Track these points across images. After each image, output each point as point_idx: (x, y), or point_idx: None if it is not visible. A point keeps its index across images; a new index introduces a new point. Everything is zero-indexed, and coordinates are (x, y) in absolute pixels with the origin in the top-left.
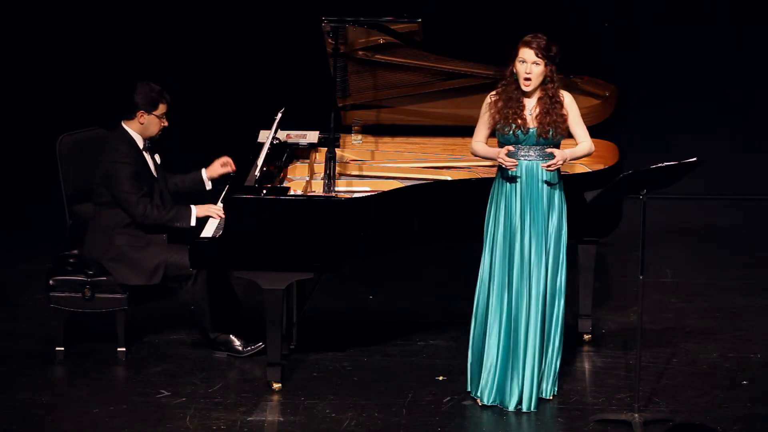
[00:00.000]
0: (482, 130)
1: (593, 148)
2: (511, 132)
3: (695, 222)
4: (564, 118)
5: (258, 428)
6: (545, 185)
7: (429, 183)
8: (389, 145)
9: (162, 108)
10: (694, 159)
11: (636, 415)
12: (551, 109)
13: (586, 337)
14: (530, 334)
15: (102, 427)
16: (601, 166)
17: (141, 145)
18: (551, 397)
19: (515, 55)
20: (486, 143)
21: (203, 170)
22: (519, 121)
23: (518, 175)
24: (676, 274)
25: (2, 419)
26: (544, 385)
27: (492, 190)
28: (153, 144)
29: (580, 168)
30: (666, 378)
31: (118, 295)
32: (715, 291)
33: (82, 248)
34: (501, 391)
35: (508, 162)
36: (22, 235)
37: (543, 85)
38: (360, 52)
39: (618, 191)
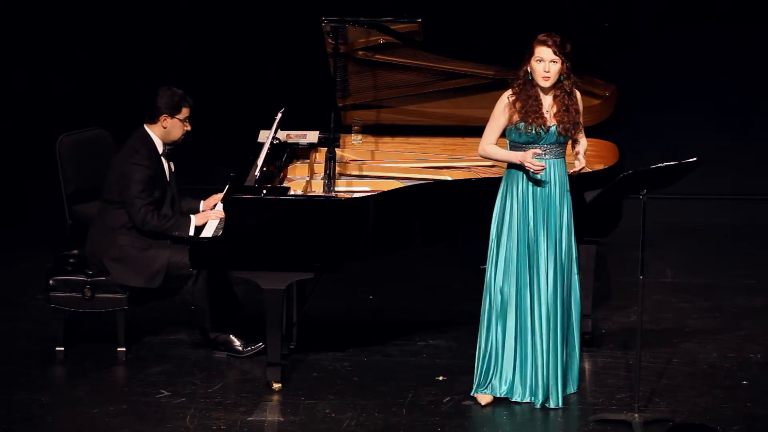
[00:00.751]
0: (495, 131)
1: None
2: (534, 130)
3: (695, 222)
4: (580, 115)
5: (258, 428)
6: (558, 184)
7: (429, 183)
8: (389, 145)
9: (185, 112)
10: (694, 159)
11: (636, 415)
12: (570, 105)
13: (586, 337)
14: (551, 331)
15: (102, 427)
16: (601, 166)
17: (161, 149)
18: (575, 392)
19: (530, 54)
20: (496, 145)
21: (201, 202)
22: (540, 120)
23: (544, 179)
24: (676, 274)
25: (2, 419)
26: (569, 380)
27: (502, 188)
28: (174, 149)
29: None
30: (666, 378)
31: (118, 295)
32: (715, 291)
33: (82, 248)
34: (534, 389)
35: (536, 166)
36: (22, 235)
37: (559, 82)
38: (360, 52)
39: (618, 191)
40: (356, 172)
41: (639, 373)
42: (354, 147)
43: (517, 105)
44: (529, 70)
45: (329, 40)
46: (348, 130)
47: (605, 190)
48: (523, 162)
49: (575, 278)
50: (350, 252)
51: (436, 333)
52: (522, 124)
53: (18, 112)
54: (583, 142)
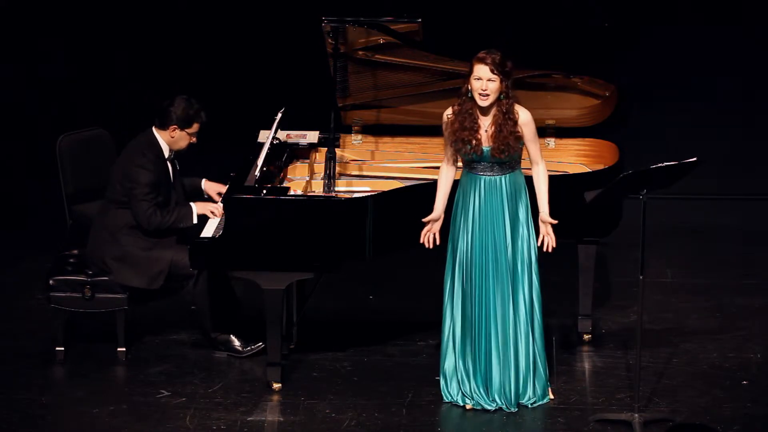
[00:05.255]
0: (446, 146)
1: (545, 168)
2: (466, 153)
3: (695, 222)
4: (516, 136)
5: (258, 428)
6: (506, 199)
7: (429, 183)
8: (389, 145)
9: (195, 127)
10: (694, 159)
11: (636, 415)
12: (504, 125)
13: (586, 337)
14: (499, 343)
15: (102, 427)
16: (601, 166)
17: (167, 154)
18: (532, 404)
19: (470, 72)
20: (455, 162)
21: (204, 180)
22: (474, 141)
23: (491, 194)
24: (676, 274)
25: (2, 419)
26: (527, 391)
27: (455, 200)
28: (176, 155)
29: (580, 168)
30: (666, 378)
31: (118, 295)
32: (715, 291)
33: (82, 248)
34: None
35: (426, 236)
36: (22, 235)
37: (498, 100)
38: (360, 52)
39: (618, 191)
40: (356, 172)
41: (639, 373)
42: (354, 147)
43: (454, 126)
44: (470, 87)
45: (329, 40)
46: (348, 130)
47: (605, 190)
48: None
49: (537, 290)
50: (350, 252)
51: (436, 333)
52: (457, 144)
53: (18, 112)
54: (542, 182)
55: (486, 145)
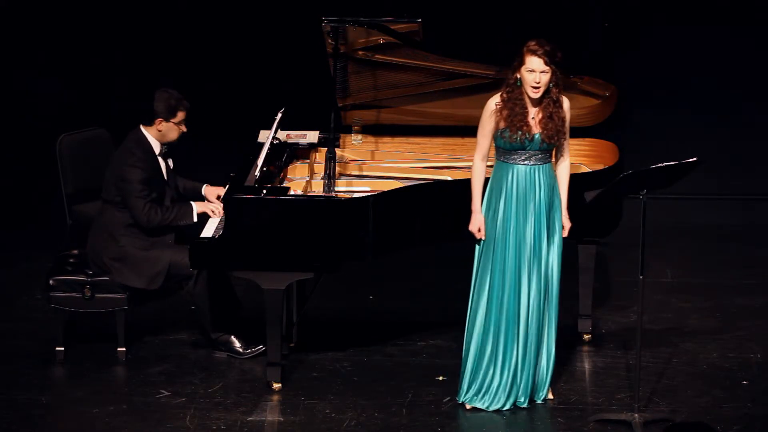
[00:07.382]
0: (485, 138)
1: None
2: (518, 139)
3: (695, 222)
4: (564, 122)
5: (258, 428)
6: (543, 189)
7: (429, 183)
8: (389, 145)
9: (180, 115)
10: (694, 159)
11: (636, 415)
12: (554, 112)
13: (586, 337)
14: (531, 337)
15: (102, 427)
16: (601, 166)
17: (157, 150)
18: (544, 402)
19: (520, 62)
20: (487, 157)
21: (205, 186)
22: (525, 128)
23: (530, 184)
24: (676, 274)
25: (2, 419)
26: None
27: (488, 193)
28: (170, 148)
29: (580, 168)
30: (666, 378)
31: (118, 295)
32: (715, 291)
33: (82, 248)
34: (518, 391)
35: (477, 234)
36: (22, 235)
37: (548, 89)
38: (360, 52)
39: (618, 191)
40: (356, 172)
41: (639, 373)
42: (354, 147)
43: (504, 112)
44: (518, 77)
45: (329, 40)
46: (348, 130)
47: (605, 190)
48: (471, 228)
49: (556, 286)
50: (350, 252)
51: (436, 333)
52: (507, 132)
53: (18, 112)
54: (564, 177)
55: (536, 131)
